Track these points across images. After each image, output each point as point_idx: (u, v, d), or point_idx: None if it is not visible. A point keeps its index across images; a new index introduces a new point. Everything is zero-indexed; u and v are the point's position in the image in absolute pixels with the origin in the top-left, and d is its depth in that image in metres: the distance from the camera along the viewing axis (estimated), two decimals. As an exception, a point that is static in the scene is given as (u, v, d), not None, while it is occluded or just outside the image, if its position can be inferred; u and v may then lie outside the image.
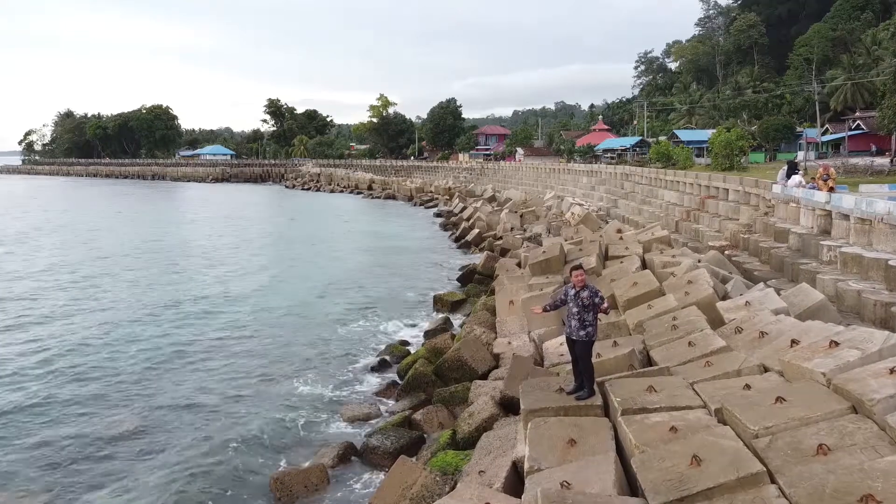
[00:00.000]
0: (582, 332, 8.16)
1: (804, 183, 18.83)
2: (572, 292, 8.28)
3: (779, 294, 11.91)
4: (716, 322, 10.81)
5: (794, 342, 8.03)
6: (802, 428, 5.82)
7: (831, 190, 18.18)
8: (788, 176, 19.96)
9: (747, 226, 21.16)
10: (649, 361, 9.88)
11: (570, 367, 13.47)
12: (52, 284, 27.77)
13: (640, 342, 10.42)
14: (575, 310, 8.18)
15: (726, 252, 19.13)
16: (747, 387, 7.14)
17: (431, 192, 78.83)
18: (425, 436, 12.70)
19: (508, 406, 11.97)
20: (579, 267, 8.45)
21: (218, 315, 22.44)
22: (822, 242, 15.36)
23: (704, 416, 6.80)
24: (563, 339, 15.43)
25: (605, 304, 8.42)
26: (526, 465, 6.94)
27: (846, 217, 15.44)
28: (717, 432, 6.14)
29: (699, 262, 17.32)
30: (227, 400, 14.81)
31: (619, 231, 27.22)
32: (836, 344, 7.22)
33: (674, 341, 9.75)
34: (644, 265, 17.86)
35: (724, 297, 13.45)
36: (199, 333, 20.22)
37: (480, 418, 11.53)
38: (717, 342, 8.97)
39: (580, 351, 8.14)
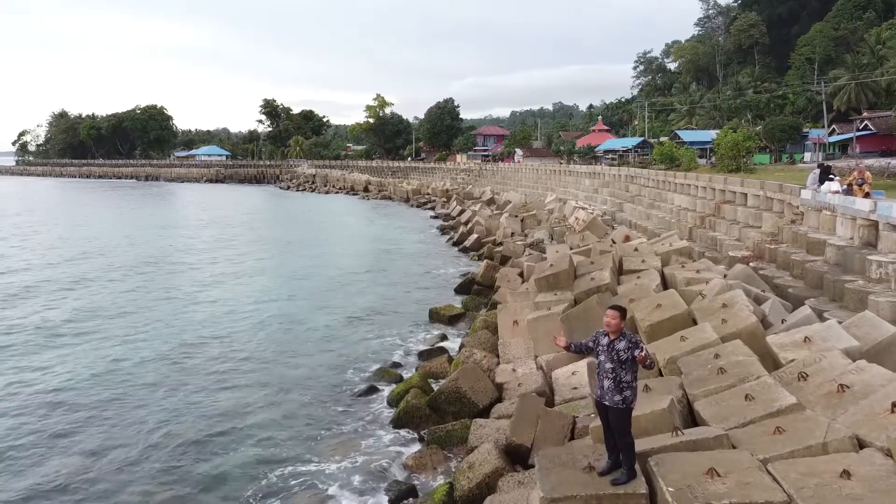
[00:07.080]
0: (618, 398, 6.07)
1: (840, 190, 16.98)
2: (605, 341, 6.23)
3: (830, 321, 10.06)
4: (766, 359, 8.95)
5: None
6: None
7: (866, 195, 16.39)
8: (821, 181, 18.07)
9: (772, 235, 19.29)
10: (692, 415, 7.99)
11: (585, 401, 11.72)
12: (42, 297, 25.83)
13: (677, 386, 8.51)
14: (609, 366, 6.13)
15: (751, 264, 17.28)
16: (846, 474, 5.28)
17: (429, 193, 77.11)
18: (417, 486, 10.89)
19: (515, 456, 10.20)
20: (618, 308, 6.30)
21: (192, 329, 20.54)
22: (868, 257, 13.49)
23: (794, 518, 4.95)
24: (575, 367, 13.71)
25: (651, 360, 6.24)
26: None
27: (896, 228, 13.62)
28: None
29: (725, 276, 15.55)
30: (194, 431, 13.01)
31: (628, 238, 25.36)
32: (971, 418, 5.35)
33: (724, 391, 7.80)
34: (664, 280, 16.05)
35: (763, 322, 11.64)
36: (174, 347, 18.47)
37: (482, 472, 9.70)
38: (786, 398, 7.03)
39: (615, 421, 6.09)
